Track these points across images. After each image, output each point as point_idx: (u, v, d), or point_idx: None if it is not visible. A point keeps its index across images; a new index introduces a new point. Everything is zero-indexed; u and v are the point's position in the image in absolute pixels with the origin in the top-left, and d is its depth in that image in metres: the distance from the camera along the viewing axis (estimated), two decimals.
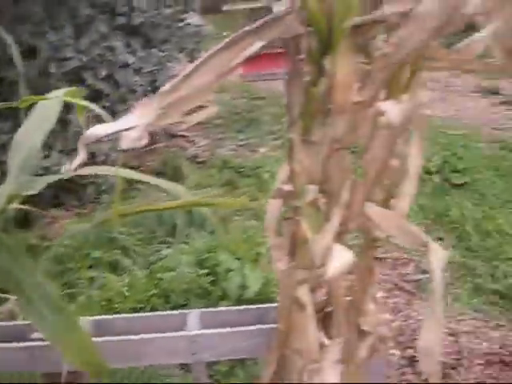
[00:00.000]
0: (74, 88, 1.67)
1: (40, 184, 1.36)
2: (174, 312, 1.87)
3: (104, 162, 4.55)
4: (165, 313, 1.87)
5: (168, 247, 3.64)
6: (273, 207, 1.24)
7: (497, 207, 4.30)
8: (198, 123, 4.25)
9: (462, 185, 4.51)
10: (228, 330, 1.73)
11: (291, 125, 1.19)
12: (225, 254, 3.22)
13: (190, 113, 1.16)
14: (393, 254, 3.81)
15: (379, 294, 3.27)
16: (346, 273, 1.26)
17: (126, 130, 1.12)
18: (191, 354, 1.74)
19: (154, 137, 5.50)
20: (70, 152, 4.05)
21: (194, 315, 1.80)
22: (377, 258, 3.56)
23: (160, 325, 1.80)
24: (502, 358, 2.81)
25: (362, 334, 1.37)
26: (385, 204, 1.14)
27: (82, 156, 1.13)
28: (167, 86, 1.10)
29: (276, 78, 6.71)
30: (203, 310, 1.87)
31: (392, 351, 2.92)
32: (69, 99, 1.55)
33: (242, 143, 5.84)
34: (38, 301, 1.27)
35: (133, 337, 1.74)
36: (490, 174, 4.82)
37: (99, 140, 1.11)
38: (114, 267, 3.48)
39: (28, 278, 1.26)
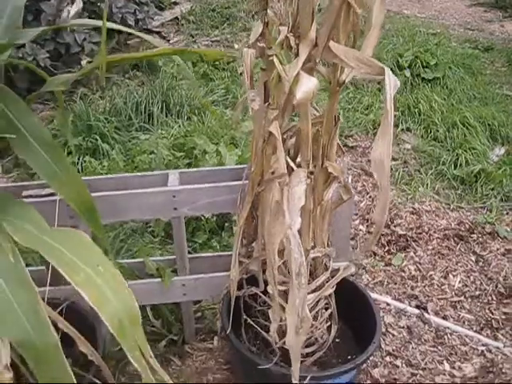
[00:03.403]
0: None
1: (30, 34, 1.43)
2: (156, 172, 2.00)
3: (79, 54, 4.55)
4: (148, 173, 2.00)
5: (145, 134, 3.74)
6: (248, 55, 1.34)
7: (464, 102, 4.45)
8: (173, 19, 4.27)
9: (432, 80, 4.63)
10: (206, 185, 1.87)
11: None
12: (201, 138, 3.33)
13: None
14: (364, 143, 3.97)
15: (349, 179, 3.46)
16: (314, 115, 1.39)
17: None
18: (173, 208, 1.89)
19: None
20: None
21: (174, 175, 1.94)
22: (347, 146, 3.71)
23: (144, 184, 1.93)
24: (458, 233, 3.04)
25: (328, 177, 1.52)
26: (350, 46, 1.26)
27: (78, 4, 1.21)
28: None
29: None
30: (182, 170, 2.01)
31: (359, 227, 3.13)
32: None
33: (216, 39, 5.81)
34: (34, 140, 1.37)
35: (121, 192, 1.88)
36: (460, 71, 4.92)
37: None
38: (94, 153, 3.57)
39: (24, 119, 1.36)
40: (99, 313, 0.88)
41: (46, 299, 1.49)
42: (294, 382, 1.45)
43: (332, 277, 1.73)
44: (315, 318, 1.74)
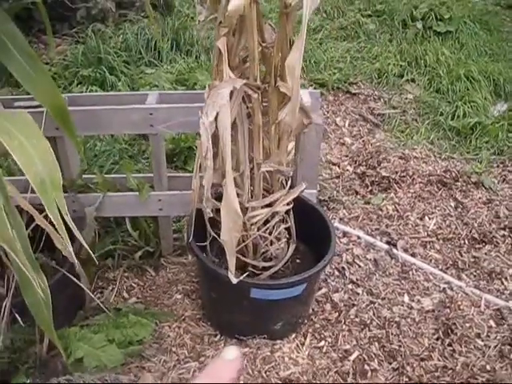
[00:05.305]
0: None
1: None
2: (137, 92, 2.13)
3: None
4: (129, 92, 2.13)
5: (152, 68, 3.87)
6: None
7: (473, 56, 4.45)
8: None
9: (444, 33, 4.63)
10: (180, 105, 1.99)
11: None
12: (203, 75, 3.45)
13: None
14: (367, 91, 4.03)
15: (345, 123, 3.54)
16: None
17: None
18: (149, 125, 2.02)
19: None
20: None
21: (153, 95, 2.07)
22: (349, 93, 3.78)
23: (124, 102, 2.06)
24: (442, 180, 3.12)
25: (283, 97, 1.63)
26: None
27: None
28: None
29: None
30: (162, 91, 2.13)
31: (347, 167, 3.24)
32: None
33: None
34: (13, 47, 1.51)
35: (101, 107, 2.02)
36: (475, 26, 4.90)
37: None
38: (102, 84, 3.71)
39: (4, 27, 1.49)
40: (25, 173, 1.03)
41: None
42: (230, 276, 1.60)
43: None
44: (270, 232, 1.88)
